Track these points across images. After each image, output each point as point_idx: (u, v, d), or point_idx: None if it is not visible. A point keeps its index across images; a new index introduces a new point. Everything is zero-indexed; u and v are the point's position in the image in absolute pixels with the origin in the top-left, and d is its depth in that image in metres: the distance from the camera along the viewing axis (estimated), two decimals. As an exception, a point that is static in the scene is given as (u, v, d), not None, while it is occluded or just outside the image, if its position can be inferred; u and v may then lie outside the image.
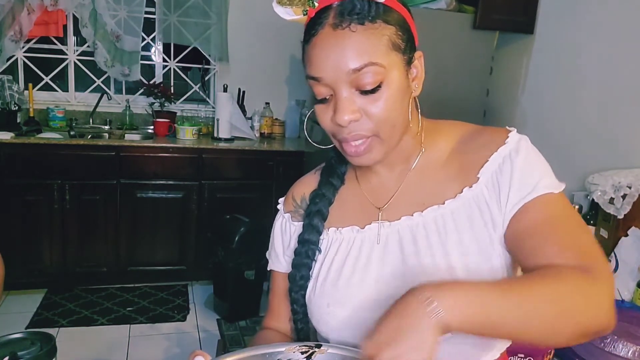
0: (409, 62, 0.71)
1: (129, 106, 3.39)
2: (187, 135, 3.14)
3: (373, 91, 0.67)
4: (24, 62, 3.23)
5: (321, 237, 0.83)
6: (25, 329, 2.54)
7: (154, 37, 3.37)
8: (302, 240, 0.83)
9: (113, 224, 2.97)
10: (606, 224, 1.73)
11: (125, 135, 3.25)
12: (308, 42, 0.69)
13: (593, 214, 1.78)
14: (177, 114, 3.44)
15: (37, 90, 3.27)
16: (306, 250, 0.82)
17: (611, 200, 1.66)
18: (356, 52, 0.66)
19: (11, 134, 2.78)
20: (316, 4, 0.70)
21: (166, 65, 3.52)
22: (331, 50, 0.66)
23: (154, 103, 3.38)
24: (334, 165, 0.86)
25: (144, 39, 3.33)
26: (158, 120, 3.22)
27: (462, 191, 0.74)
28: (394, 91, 0.69)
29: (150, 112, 3.42)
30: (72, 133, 3.08)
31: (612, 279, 0.63)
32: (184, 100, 3.58)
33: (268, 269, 0.93)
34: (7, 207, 2.80)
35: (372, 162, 0.74)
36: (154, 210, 3.03)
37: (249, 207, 3.04)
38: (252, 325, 2.79)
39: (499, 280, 0.59)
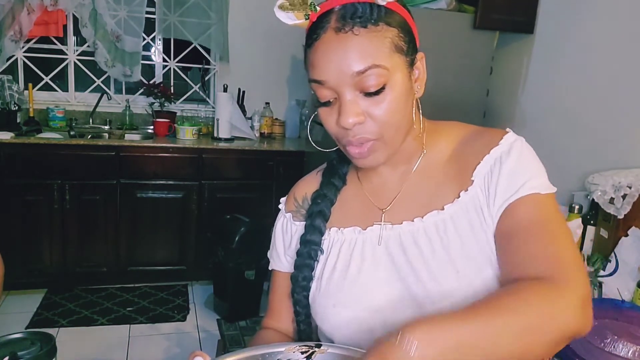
0: (411, 64, 0.71)
1: (129, 106, 3.40)
2: (187, 135, 3.14)
3: (377, 93, 0.67)
4: (24, 62, 3.23)
5: (323, 237, 0.83)
6: (25, 329, 2.54)
7: (154, 36, 3.38)
8: (304, 241, 0.83)
9: (113, 224, 2.97)
10: (606, 224, 1.73)
11: (125, 135, 3.25)
12: (310, 46, 0.70)
13: (593, 214, 1.78)
14: (177, 114, 3.44)
15: (37, 90, 3.27)
16: (308, 251, 0.82)
17: (611, 200, 1.66)
18: (359, 55, 0.66)
19: (11, 134, 2.78)
20: (318, 8, 0.70)
21: (166, 65, 3.52)
22: (334, 54, 0.66)
23: (154, 103, 3.38)
24: (336, 165, 0.86)
25: (143, 39, 3.33)
26: (158, 120, 3.22)
27: (459, 195, 0.75)
28: (398, 93, 0.69)
29: (150, 112, 3.42)
30: (72, 133, 3.08)
31: (582, 284, 0.63)
32: (184, 100, 3.58)
33: (269, 268, 0.93)
34: (7, 207, 2.80)
35: (376, 164, 0.74)
36: (154, 210, 3.03)
37: (249, 207, 3.04)
38: (252, 325, 2.79)
39: (466, 306, 0.59)
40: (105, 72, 3.30)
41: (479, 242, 0.72)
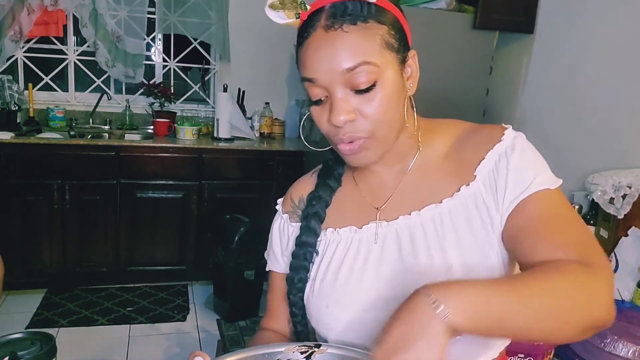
0: (403, 61, 0.71)
1: (129, 106, 3.39)
2: (187, 135, 3.14)
3: (367, 90, 0.67)
4: (24, 62, 3.23)
5: (319, 238, 0.83)
6: (25, 329, 2.54)
7: (154, 36, 3.38)
8: (299, 242, 0.83)
9: (113, 224, 2.97)
10: (606, 224, 1.73)
11: (125, 135, 3.25)
12: (301, 45, 0.70)
13: (593, 214, 1.78)
14: (177, 114, 3.44)
15: (37, 90, 3.27)
16: (304, 253, 0.82)
17: (611, 200, 1.66)
18: (349, 52, 0.66)
19: (11, 134, 2.78)
20: (308, 7, 0.70)
21: (166, 65, 3.52)
22: (324, 51, 0.67)
23: (154, 103, 3.38)
24: (331, 166, 0.86)
25: (144, 39, 3.33)
26: (158, 120, 3.22)
27: (459, 190, 0.74)
28: (389, 90, 0.69)
29: (150, 112, 3.42)
30: (72, 133, 3.08)
31: (611, 273, 0.63)
32: (184, 100, 3.58)
33: (267, 269, 0.93)
34: (7, 207, 2.80)
35: (368, 162, 0.74)
36: (154, 210, 3.03)
37: (249, 207, 3.04)
38: (252, 325, 2.79)
39: (501, 278, 0.59)
40: (106, 72, 3.30)
41: (476, 238, 0.72)
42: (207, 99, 3.64)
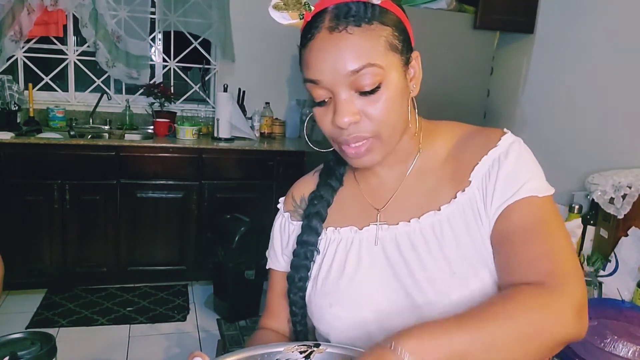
0: (406, 63, 0.71)
1: (129, 106, 3.39)
2: (187, 135, 3.14)
3: (372, 92, 0.67)
4: (24, 62, 3.23)
5: (319, 237, 0.83)
6: (25, 329, 2.54)
7: (154, 36, 3.38)
8: (300, 241, 0.83)
9: (113, 224, 2.97)
10: (606, 224, 1.73)
11: (125, 135, 3.25)
12: (305, 46, 0.70)
13: (593, 214, 1.78)
14: (177, 114, 3.44)
15: (37, 90, 3.27)
16: (304, 252, 0.82)
17: (611, 200, 1.66)
18: (354, 54, 0.66)
19: (11, 134, 2.78)
20: (312, 8, 0.70)
21: (166, 65, 3.52)
22: (328, 53, 0.66)
23: (154, 103, 3.38)
24: (333, 166, 0.86)
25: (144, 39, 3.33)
26: (158, 120, 3.22)
27: (456, 196, 0.74)
28: (393, 92, 0.69)
29: (150, 112, 3.42)
30: (72, 133, 3.08)
31: (578, 290, 0.63)
32: (184, 100, 3.58)
33: (267, 267, 0.93)
34: (7, 207, 2.80)
35: (371, 164, 0.74)
36: (154, 210, 3.03)
37: (249, 207, 3.04)
38: (252, 325, 2.79)
39: (459, 314, 0.59)
40: (106, 72, 3.30)
41: (474, 243, 0.72)
42: (207, 99, 3.64)
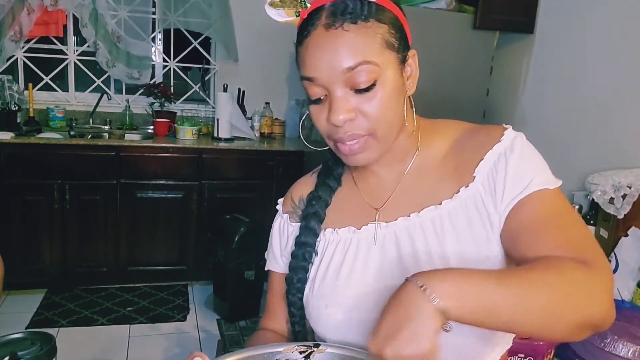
0: (403, 61, 0.71)
1: (129, 106, 3.39)
2: (187, 135, 3.14)
3: (367, 90, 0.67)
4: (24, 62, 3.23)
5: (318, 238, 0.82)
6: (25, 329, 2.54)
7: (154, 36, 3.38)
8: (298, 242, 0.83)
9: (113, 224, 2.97)
10: (606, 224, 1.73)
11: (125, 135, 3.25)
12: (301, 44, 0.70)
13: (593, 214, 1.78)
14: (177, 114, 3.44)
15: (37, 90, 3.27)
16: (303, 253, 0.82)
17: (611, 200, 1.66)
18: (350, 51, 0.65)
19: (11, 134, 2.78)
20: (308, 5, 0.70)
21: (166, 65, 3.52)
22: (324, 50, 0.66)
23: (154, 103, 3.38)
24: (331, 166, 0.86)
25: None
26: (158, 120, 3.22)
27: (458, 191, 0.74)
28: (389, 90, 0.68)
29: (150, 112, 3.42)
30: (72, 133, 3.08)
31: (610, 273, 0.62)
32: (184, 100, 3.58)
33: (265, 269, 0.93)
34: (7, 207, 2.80)
35: (367, 162, 0.74)
36: (154, 210, 3.03)
37: (249, 207, 3.04)
38: (252, 325, 2.79)
39: (496, 269, 0.58)
40: (106, 72, 3.30)
41: (476, 239, 0.72)
42: (207, 99, 3.63)
